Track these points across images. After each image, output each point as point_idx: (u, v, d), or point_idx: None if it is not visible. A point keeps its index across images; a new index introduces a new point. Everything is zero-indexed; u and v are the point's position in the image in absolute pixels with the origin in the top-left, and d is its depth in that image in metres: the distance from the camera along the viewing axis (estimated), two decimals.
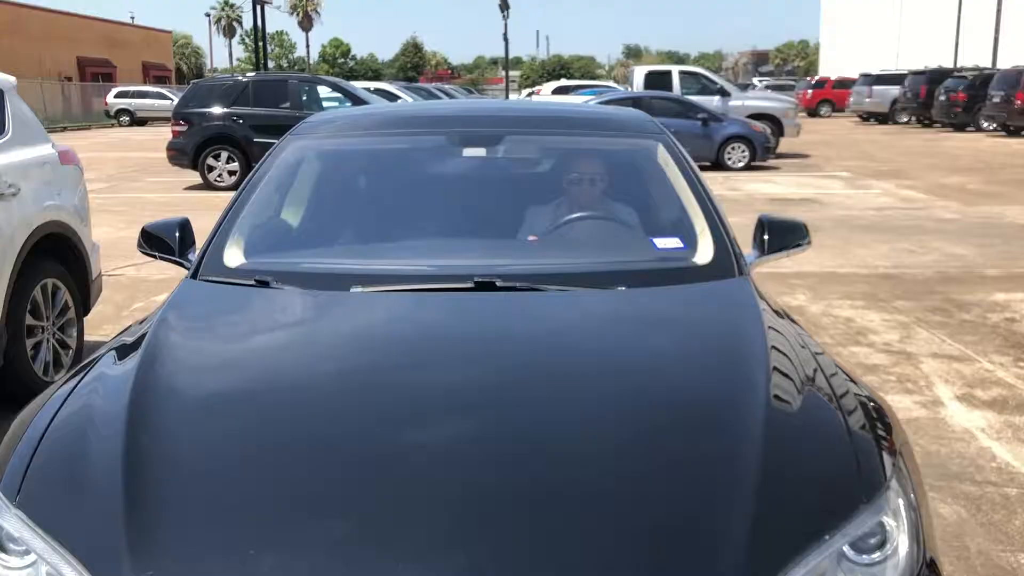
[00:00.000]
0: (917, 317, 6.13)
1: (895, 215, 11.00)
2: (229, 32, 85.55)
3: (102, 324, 6.07)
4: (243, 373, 2.11)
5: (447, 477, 1.59)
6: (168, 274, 7.74)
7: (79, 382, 2.03)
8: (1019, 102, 24.54)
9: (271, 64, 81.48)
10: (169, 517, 1.54)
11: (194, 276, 2.63)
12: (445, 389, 1.92)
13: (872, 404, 2.00)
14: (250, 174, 3.13)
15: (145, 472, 1.63)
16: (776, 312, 2.49)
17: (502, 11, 41.54)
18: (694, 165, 3.19)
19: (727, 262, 2.64)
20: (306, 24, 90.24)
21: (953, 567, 2.99)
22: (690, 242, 2.75)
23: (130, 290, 7.15)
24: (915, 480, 1.78)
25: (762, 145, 16.89)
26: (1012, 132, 25.65)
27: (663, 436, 1.77)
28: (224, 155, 14.35)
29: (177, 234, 2.94)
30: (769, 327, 2.23)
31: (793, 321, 2.46)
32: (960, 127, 28.52)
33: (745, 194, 13.25)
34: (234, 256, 2.66)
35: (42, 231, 4.55)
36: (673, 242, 2.80)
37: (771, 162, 17.59)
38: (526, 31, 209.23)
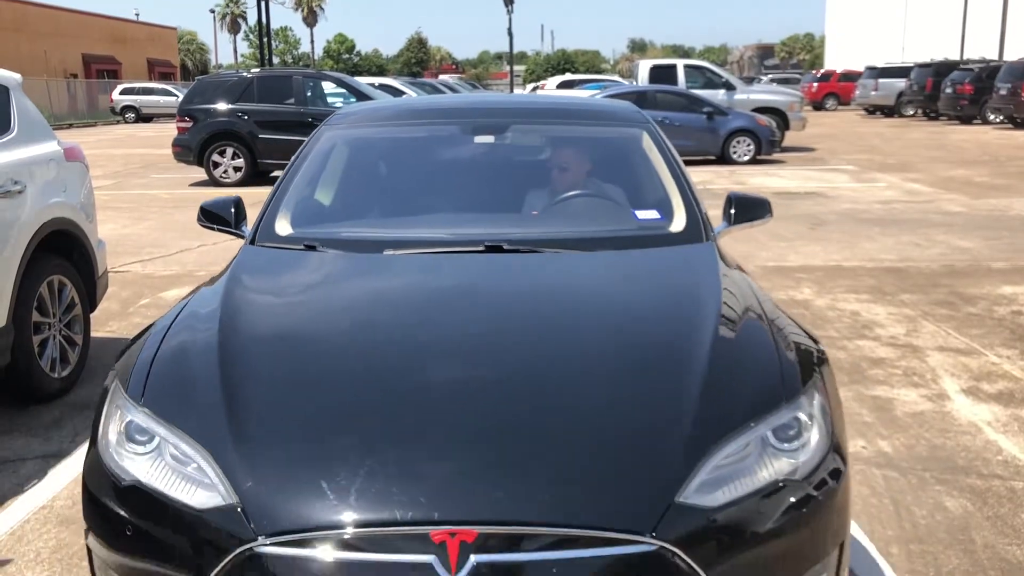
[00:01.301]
0: (923, 310, 6.12)
1: (901, 208, 10.97)
2: (234, 28, 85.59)
3: (108, 321, 6.09)
4: (302, 312, 2.70)
5: (464, 382, 2.21)
6: (173, 271, 7.77)
7: (175, 319, 2.59)
8: None
9: (276, 60, 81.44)
10: (255, 408, 2.14)
11: (252, 242, 3.18)
12: (463, 324, 2.50)
13: (802, 336, 2.54)
14: (293, 157, 3.64)
15: (235, 378, 2.22)
16: (739, 268, 3.04)
17: (507, 6, 41.45)
18: (674, 151, 3.61)
19: (696, 230, 3.17)
20: (311, 20, 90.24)
21: (959, 560, 2.99)
22: (667, 214, 3.27)
23: (136, 286, 7.16)
24: (831, 391, 2.32)
25: (767, 139, 16.85)
26: (1019, 124, 25.53)
27: (633, 351, 2.36)
28: (229, 151, 14.37)
29: (232, 210, 3.53)
30: (724, 276, 2.78)
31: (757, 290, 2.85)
32: (966, 120, 28.40)
33: (751, 188, 13.22)
34: (283, 227, 3.22)
35: (48, 228, 4.56)
36: (652, 214, 3.32)
37: (777, 156, 17.56)
38: (531, 26, 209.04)
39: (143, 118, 41.72)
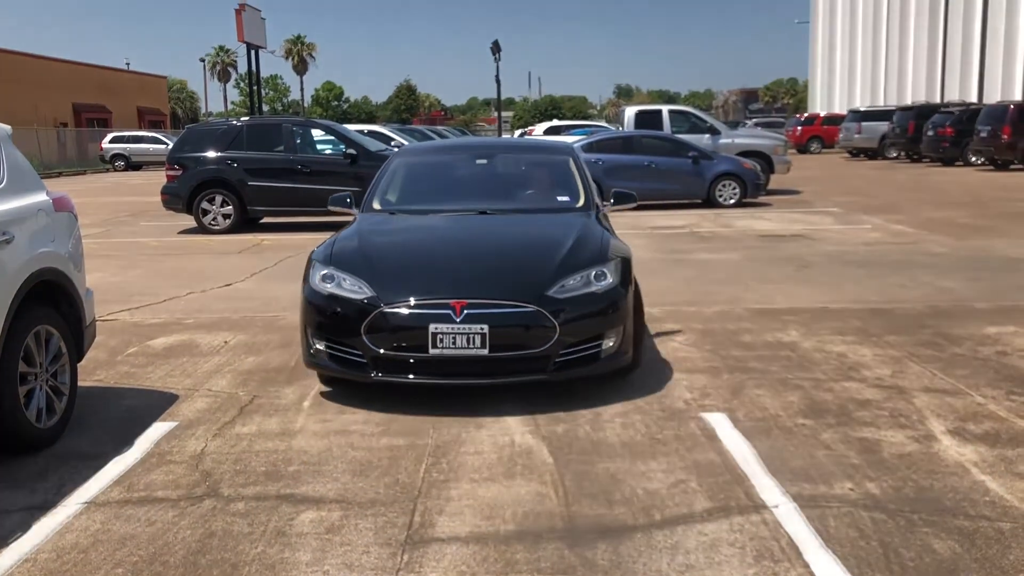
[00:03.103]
0: (909, 351, 6.16)
1: (886, 250, 11.07)
2: (224, 77, 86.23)
3: (95, 370, 6.06)
4: (391, 230, 6.27)
5: (465, 244, 5.94)
6: (161, 319, 7.76)
7: (336, 239, 5.92)
8: (1006, 136, 24.83)
9: (265, 108, 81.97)
10: (377, 263, 5.45)
11: (363, 212, 6.63)
12: (465, 230, 6.24)
13: (622, 248, 5.71)
14: (379, 172, 7.15)
15: (368, 253, 5.61)
16: (606, 229, 6.13)
17: (494, 54, 41.99)
18: (585, 169, 7.04)
19: (589, 207, 6.52)
20: (301, 68, 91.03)
21: None
22: (575, 199, 6.65)
23: (124, 335, 7.15)
24: (625, 267, 5.50)
25: (753, 182, 17.03)
26: (1000, 166, 25.91)
27: (542, 238, 5.84)
28: (219, 199, 14.41)
29: (348, 200, 6.89)
30: (594, 223, 6.08)
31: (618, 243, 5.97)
32: (949, 161, 28.81)
33: (737, 231, 13.34)
34: (376, 205, 6.71)
35: (36, 278, 4.57)
36: (565, 198, 6.70)
37: (762, 199, 17.74)
38: (518, 73, 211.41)
39: (133, 166, 41.87)
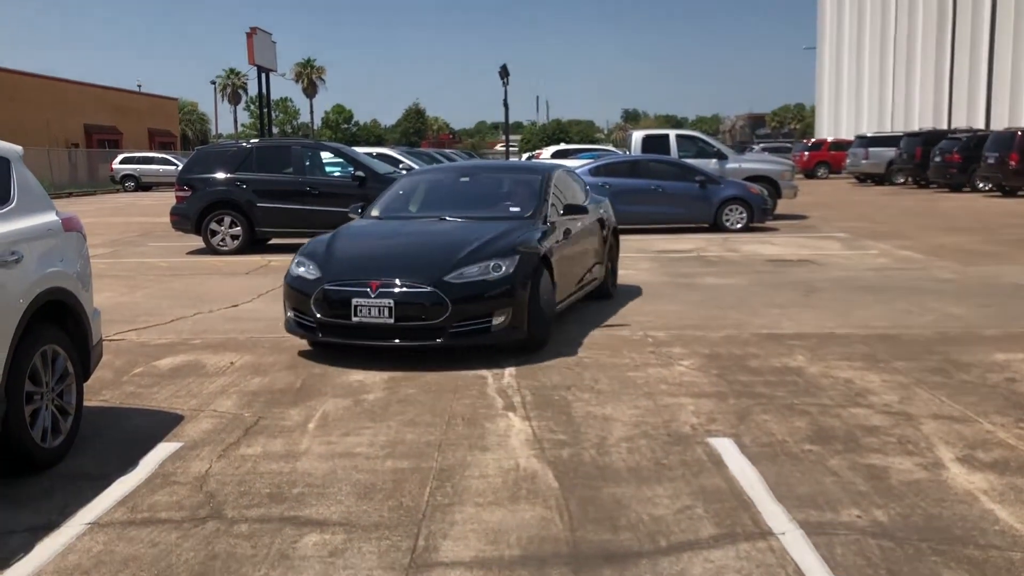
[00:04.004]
0: (917, 378, 6.12)
1: (893, 275, 11.05)
2: (234, 99, 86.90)
3: (101, 390, 6.07)
4: (362, 232, 7.96)
5: (408, 241, 7.70)
6: (168, 339, 7.77)
7: (319, 237, 7.70)
8: (1013, 163, 24.81)
9: (275, 130, 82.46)
10: (333, 254, 7.14)
11: (361, 217, 8.46)
12: (426, 230, 7.88)
13: (532, 246, 7.17)
14: (387, 188, 9.18)
15: (332, 247, 7.27)
16: (543, 233, 7.54)
17: (502, 78, 42.22)
18: (550, 186, 8.33)
19: (536, 216, 7.86)
20: (310, 91, 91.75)
21: None
22: (526, 210, 7.98)
23: (131, 355, 7.16)
24: (525, 265, 6.93)
25: (760, 207, 17.04)
26: (1008, 192, 25.88)
27: (475, 239, 7.11)
28: (227, 220, 14.47)
29: (359, 209, 8.62)
30: (530, 231, 7.46)
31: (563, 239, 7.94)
32: (956, 187, 28.78)
33: (744, 255, 13.33)
34: (375, 213, 8.49)
35: (44, 298, 4.58)
36: (517, 208, 8.07)
37: (769, 223, 17.73)
38: (526, 96, 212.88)
39: (142, 187, 42.11)
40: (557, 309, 7.59)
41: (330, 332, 6.75)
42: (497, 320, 6.62)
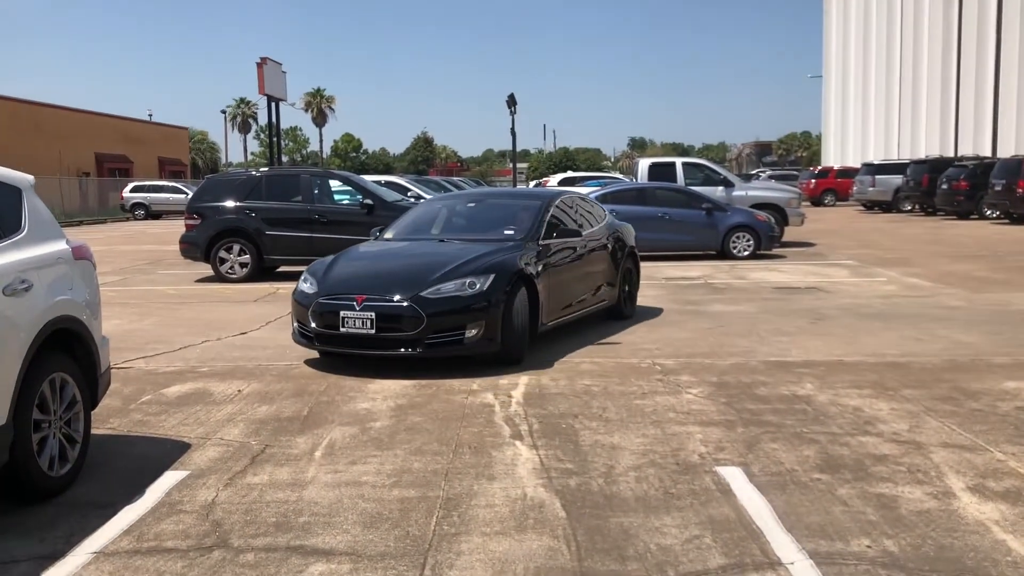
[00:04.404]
0: (926, 406, 6.09)
1: (901, 303, 11.02)
2: (244, 128, 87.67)
3: (109, 418, 6.07)
4: (365, 252, 8.68)
5: (400, 261, 8.32)
6: (176, 367, 7.78)
7: (326, 258, 8.49)
8: (1020, 190, 24.77)
9: (285, 159, 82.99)
10: (331, 274, 7.85)
11: (373, 239, 9.30)
12: (408, 253, 8.47)
13: (512, 265, 7.77)
14: (405, 214, 9.98)
15: (334, 266, 8.06)
16: (535, 253, 8.19)
17: (509, 107, 42.50)
18: (548, 212, 8.83)
19: (527, 239, 8.37)
20: (320, 120, 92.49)
21: None
22: (519, 233, 8.51)
23: (139, 383, 7.17)
24: (507, 276, 7.60)
25: (767, 234, 17.05)
26: (1015, 219, 25.83)
27: (441, 257, 7.92)
28: (236, 247, 14.54)
29: (378, 232, 9.43)
30: (516, 252, 7.98)
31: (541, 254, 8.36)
32: (963, 215, 28.75)
33: (751, 283, 13.32)
34: (387, 235, 9.25)
35: (53, 326, 4.60)
36: (511, 231, 8.60)
37: (777, 251, 17.73)
38: (533, 125, 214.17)
39: (153, 215, 42.35)
40: (548, 326, 8.24)
41: (323, 341, 7.50)
42: (470, 333, 7.24)
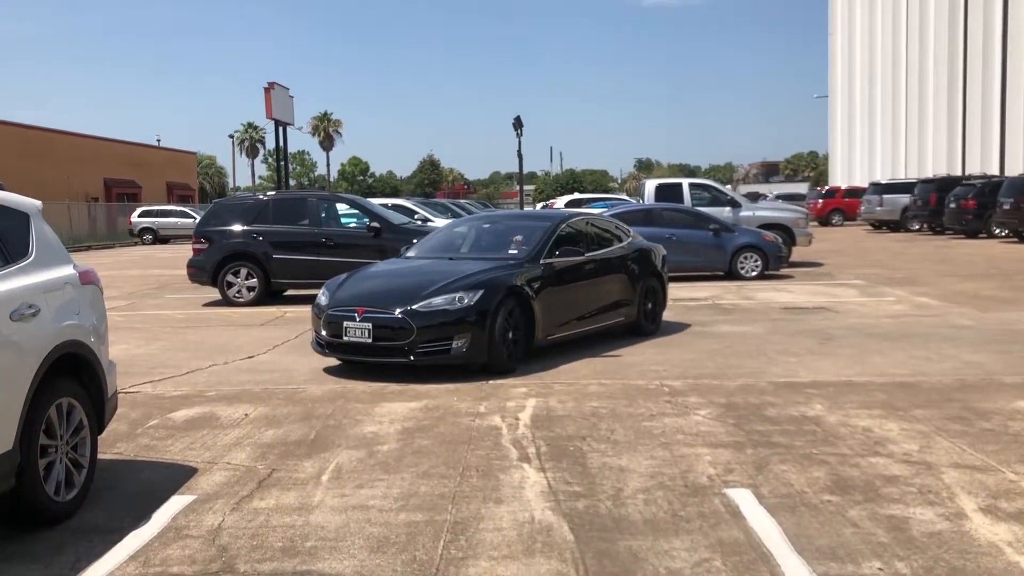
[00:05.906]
0: (936, 426, 6.04)
1: (911, 322, 10.96)
2: (252, 152, 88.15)
3: (115, 442, 6.07)
4: (380, 269, 9.51)
5: (398, 280, 8.85)
6: (183, 391, 7.78)
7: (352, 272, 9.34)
8: None
9: (292, 182, 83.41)
10: (342, 289, 8.59)
11: (398, 256, 10.15)
12: (415, 270, 9.06)
13: (503, 281, 8.35)
14: (429, 235, 11.07)
15: (348, 282, 8.78)
16: (535, 271, 8.72)
17: (516, 129, 42.70)
18: (555, 233, 9.29)
19: (537, 258, 8.91)
20: (327, 144, 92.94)
21: None
22: (522, 252, 9.00)
23: (146, 407, 7.17)
24: (496, 291, 8.21)
25: (774, 255, 17.00)
26: None
27: (438, 274, 8.50)
28: (244, 271, 14.57)
29: (404, 250, 10.24)
30: (513, 270, 8.62)
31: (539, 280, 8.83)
32: (972, 234, 28.67)
33: (760, 303, 13.28)
34: (409, 253, 9.96)
35: (60, 351, 4.61)
36: (515, 251, 9.14)
37: (785, 271, 17.69)
38: (540, 147, 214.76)
39: (160, 240, 42.53)
40: (546, 341, 8.73)
41: (332, 349, 8.25)
42: (456, 344, 7.86)
